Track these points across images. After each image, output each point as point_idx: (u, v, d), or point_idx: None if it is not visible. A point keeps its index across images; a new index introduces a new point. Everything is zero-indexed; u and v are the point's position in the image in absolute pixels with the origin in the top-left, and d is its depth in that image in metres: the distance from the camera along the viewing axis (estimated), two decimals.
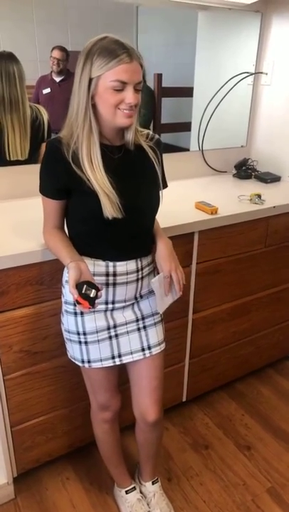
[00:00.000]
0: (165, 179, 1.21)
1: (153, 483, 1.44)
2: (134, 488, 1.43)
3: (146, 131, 1.15)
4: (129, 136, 1.08)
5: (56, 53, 1.65)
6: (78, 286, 0.99)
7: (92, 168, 1.02)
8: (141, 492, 1.44)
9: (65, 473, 1.57)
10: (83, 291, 0.99)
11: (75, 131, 1.02)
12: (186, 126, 2.09)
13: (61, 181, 1.05)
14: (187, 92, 2.08)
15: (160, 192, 1.15)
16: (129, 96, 0.98)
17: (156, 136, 1.17)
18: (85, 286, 1.00)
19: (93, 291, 1.00)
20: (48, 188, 1.09)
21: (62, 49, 1.65)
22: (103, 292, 1.13)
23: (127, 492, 1.42)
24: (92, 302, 1.00)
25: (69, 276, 1.01)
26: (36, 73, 1.65)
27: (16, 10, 1.54)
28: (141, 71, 1.00)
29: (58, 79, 1.70)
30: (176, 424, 1.80)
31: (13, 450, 1.41)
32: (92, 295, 1.00)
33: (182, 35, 2.00)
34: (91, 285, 1.01)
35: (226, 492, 1.52)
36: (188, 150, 2.05)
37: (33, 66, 1.62)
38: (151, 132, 1.16)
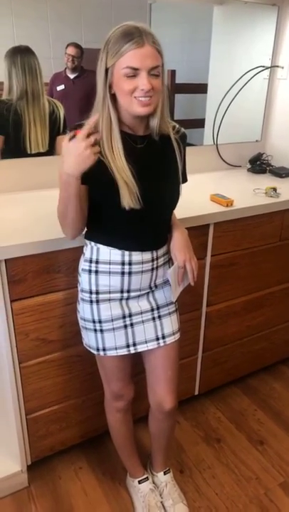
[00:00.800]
0: (186, 173, 1.20)
1: (165, 474, 1.44)
2: (146, 479, 1.43)
3: (173, 123, 1.14)
4: (154, 124, 1.07)
5: (71, 50, 1.66)
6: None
7: (112, 156, 1.02)
8: (153, 482, 1.44)
9: (78, 462, 1.58)
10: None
11: (97, 118, 1.03)
12: (199, 123, 2.09)
13: None
14: (201, 88, 2.07)
15: (180, 186, 1.15)
16: (142, 82, 0.95)
17: (182, 129, 1.16)
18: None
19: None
20: None
21: (76, 46, 1.66)
22: (118, 281, 1.13)
23: (139, 482, 1.42)
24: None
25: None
26: (50, 70, 1.66)
27: (31, 7, 1.55)
28: (156, 55, 0.96)
29: (72, 76, 1.71)
30: (189, 417, 1.80)
31: (28, 438, 1.43)
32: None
33: (196, 31, 2.00)
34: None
35: (238, 485, 1.52)
36: (199, 145, 2.04)
37: (47, 63, 1.63)
38: (177, 125, 1.15)
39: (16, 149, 1.63)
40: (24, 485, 1.49)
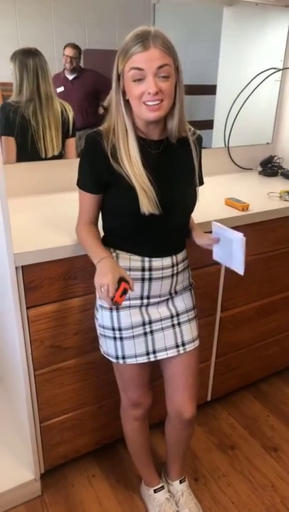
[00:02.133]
0: (202, 176, 1.19)
1: (180, 482, 1.42)
2: (162, 487, 1.41)
3: (189, 125, 1.12)
4: (173, 126, 1.05)
5: (68, 51, 1.63)
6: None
7: (130, 162, 1.01)
8: (169, 491, 1.42)
9: (91, 470, 1.56)
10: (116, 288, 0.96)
11: (112, 123, 1.02)
12: (206, 125, 2.07)
13: (100, 176, 1.04)
14: (209, 89, 2.06)
15: (197, 189, 1.14)
16: (149, 85, 0.93)
17: (198, 132, 1.14)
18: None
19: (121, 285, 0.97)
20: (87, 182, 1.08)
21: (74, 46, 1.63)
22: (138, 287, 1.11)
23: (155, 491, 1.40)
24: (124, 293, 0.97)
25: (105, 282, 0.97)
26: (54, 71, 1.64)
27: (35, 8, 1.54)
28: (164, 56, 0.93)
29: (70, 77, 1.69)
30: (201, 423, 1.78)
31: (42, 446, 1.40)
32: (122, 290, 0.97)
33: (202, 31, 1.98)
34: (121, 280, 0.98)
35: (254, 493, 1.50)
36: (208, 148, 2.02)
37: (51, 64, 1.61)
38: (192, 128, 1.13)
39: (27, 153, 1.61)
40: (37, 493, 1.47)
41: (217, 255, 1.17)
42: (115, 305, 0.98)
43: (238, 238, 1.09)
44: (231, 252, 1.13)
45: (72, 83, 1.69)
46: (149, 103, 0.96)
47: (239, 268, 1.13)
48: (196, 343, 1.21)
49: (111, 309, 1.13)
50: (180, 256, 1.16)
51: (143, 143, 1.04)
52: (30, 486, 1.44)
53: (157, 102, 0.96)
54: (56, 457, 1.46)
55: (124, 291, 0.97)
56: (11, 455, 1.50)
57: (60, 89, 1.69)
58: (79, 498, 1.46)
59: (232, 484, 1.53)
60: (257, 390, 1.97)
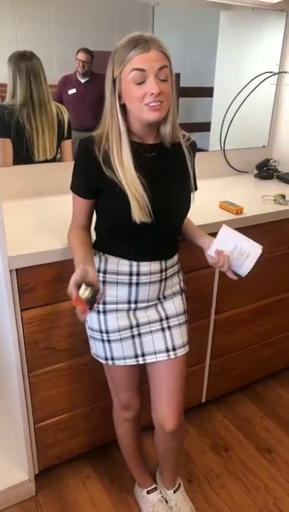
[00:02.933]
0: (196, 181, 1.19)
1: (175, 492, 1.40)
2: (155, 489, 1.42)
3: (182, 131, 1.12)
4: (166, 131, 1.05)
5: (81, 55, 1.67)
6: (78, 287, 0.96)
7: (122, 167, 1.01)
8: (161, 492, 1.43)
9: (85, 471, 1.57)
10: (80, 293, 0.95)
11: (106, 129, 1.02)
12: (203, 127, 2.08)
13: (92, 181, 1.05)
14: (206, 91, 2.07)
15: (191, 194, 1.14)
16: (151, 86, 0.94)
17: (192, 138, 1.15)
18: (82, 288, 0.96)
19: (88, 290, 0.95)
20: (80, 186, 1.08)
21: (87, 51, 1.67)
22: (126, 292, 1.12)
23: (148, 492, 1.41)
24: (90, 302, 0.95)
25: (72, 278, 0.97)
26: (53, 73, 1.66)
27: (34, 11, 1.55)
28: (163, 58, 0.95)
29: (82, 80, 1.72)
30: (196, 425, 1.79)
31: (36, 447, 1.41)
32: (87, 294, 0.95)
33: (200, 34, 1.99)
34: (91, 287, 0.96)
35: (247, 495, 1.51)
36: (204, 151, 2.04)
37: (50, 65, 1.62)
38: (187, 133, 1.14)
39: (21, 156, 1.62)
40: (31, 494, 1.48)
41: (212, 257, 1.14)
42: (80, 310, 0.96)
43: (257, 252, 1.09)
44: (239, 259, 1.11)
45: (86, 86, 1.73)
46: (151, 103, 0.96)
47: (242, 271, 1.13)
48: (186, 348, 1.21)
49: (98, 312, 1.14)
50: (170, 261, 1.16)
51: (138, 147, 1.05)
52: (24, 487, 1.45)
53: (158, 103, 0.96)
54: (50, 458, 1.47)
55: (91, 299, 0.95)
56: (5, 456, 1.51)
57: (72, 91, 1.72)
58: (73, 499, 1.47)
59: (225, 486, 1.54)
60: (252, 391, 1.98)
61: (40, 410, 1.37)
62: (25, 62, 1.52)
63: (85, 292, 0.96)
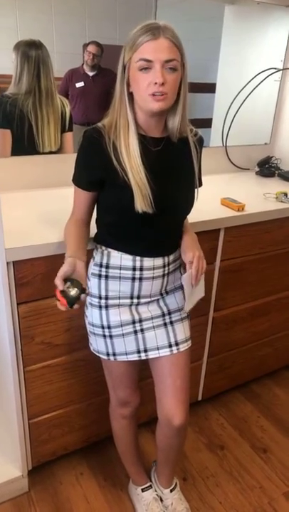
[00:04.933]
0: (201, 178, 1.17)
1: (171, 491, 1.38)
2: (150, 487, 1.40)
3: (190, 126, 1.10)
4: (174, 124, 1.03)
5: (92, 48, 1.66)
6: (65, 281, 0.97)
7: (128, 156, 0.99)
8: (156, 490, 1.41)
9: (79, 468, 1.55)
10: (65, 288, 0.95)
11: (114, 118, 1.01)
12: (205, 123, 2.06)
13: (97, 174, 1.03)
14: (209, 87, 2.04)
15: (195, 190, 1.12)
16: (156, 75, 0.92)
17: (200, 133, 1.13)
18: (68, 283, 0.96)
19: (75, 290, 0.96)
20: (82, 179, 1.06)
21: (97, 44, 1.65)
22: (129, 287, 1.10)
23: (143, 490, 1.39)
24: (71, 302, 0.95)
25: (60, 269, 0.98)
26: (53, 65, 1.63)
27: (35, 1, 1.52)
28: (172, 48, 0.93)
29: (91, 73, 1.70)
30: (191, 423, 1.77)
31: (30, 443, 1.40)
32: (72, 294, 0.95)
33: (203, 28, 1.96)
34: (78, 285, 0.97)
35: (242, 494, 1.50)
36: (206, 147, 2.00)
37: (51, 57, 1.60)
38: (194, 129, 1.12)
39: (23, 146, 1.59)
40: (24, 490, 1.46)
41: (183, 281, 1.15)
42: (59, 303, 0.97)
43: (202, 293, 1.18)
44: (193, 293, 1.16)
45: (94, 80, 1.71)
46: (155, 93, 0.94)
47: (187, 307, 1.18)
48: (189, 343, 1.20)
49: (100, 307, 1.12)
50: (172, 256, 1.15)
51: (143, 140, 1.03)
52: (17, 483, 1.43)
53: (162, 94, 0.94)
54: (44, 454, 1.45)
55: (73, 300, 0.95)
56: None
57: (80, 84, 1.70)
58: (66, 496, 1.46)
59: (220, 484, 1.53)
60: (248, 390, 1.97)
61: (34, 406, 1.35)
62: (35, 51, 1.49)
63: (70, 291, 0.96)
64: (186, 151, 1.08)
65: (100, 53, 1.66)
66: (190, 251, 1.13)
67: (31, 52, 1.48)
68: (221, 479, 1.55)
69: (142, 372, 1.25)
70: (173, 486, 1.40)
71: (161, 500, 1.39)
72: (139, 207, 1.00)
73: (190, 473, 1.56)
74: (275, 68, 2.00)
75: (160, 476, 1.39)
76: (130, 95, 0.99)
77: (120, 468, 1.48)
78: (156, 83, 0.92)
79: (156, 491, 1.41)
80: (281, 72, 2.03)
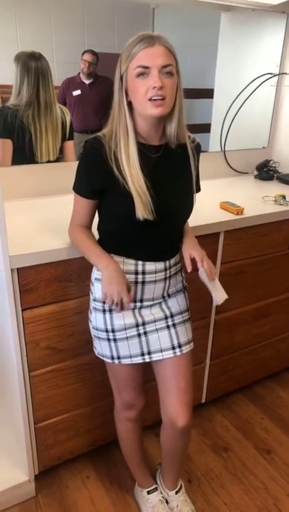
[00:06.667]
0: (199, 183, 1.19)
1: (176, 493, 1.39)
2: (155, 489, 1.42)
3: (188, 132, 1.13)
4: (172, 130, 1.06)
5: (88, 56, 1.69)
6: None
7: (128, 163, 1.02)
8: (161, 492, 1.42)
9: (85, 471, 1.57)
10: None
11: (114, 128, 1.03)
12: (203, 128, 2.09)
13: (98, 182, 1.05)
14: (207, 93, 2.07)
15: (194, 195, 1.15)
16: (153, 79, 0.95)
17: (197, 140, 1.16)
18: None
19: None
20: (83, 187, 1.09)
21: (93, 53, 1.68)
22: (132, 290, 1.12)
23: (148, 492, 1.41)
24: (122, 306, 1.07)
25: (122, 284, 1.06)
26: (53, 74, 1.66)
27: (35, 12, 1.55)
28: (168, 54, 0.96)
29: (87, 81, 1.73)
30: (195, 425, 1.79)
31: (36, 447, 1.41)
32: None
33: (200, 35, 2.00)
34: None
35: (247, 495, 1.51)
36: (205, 152, 2.03)
37: (51, 66, 1.63)
38: (192, 135, 1.14)
39: (24, 156, 1.62)
40: (31, 495, 1.47)
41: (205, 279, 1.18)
42: (122, 310, 1.09)
43: (224, 297, 1.21)
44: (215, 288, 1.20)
45: (90, 87, 1.74)
46: (154, 98, 0.96)
47: (218, 299, 1.21)
48: (191, 345, 1.22)
49: (104, 311, 1.14)
50: (173, 260, 1.17)
51: (142, 148, 1.05)
52: (24, 487, 1.45)
53: (161, 98, 0.97)
54: (50, 458, 1.47)
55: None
56: (5, 456, 1.51)
57: (77, 92, 1.73)
58: (73, 500, 1.47)
59: (225, 486, 1.54)
60: (252, 392, 1.98)
61: (40, 410, 1.36)
62: (34, 63, 1.52)
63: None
64: (185, 157, 1.11)
65: (96, 61, 1.69)
66: (197, 251, 1.16)
67: (31, 64, 1.52)
68: (226, 481, 1.56)
69: (146, 374, 1.27)
70: (178, 487, 1.41)
71: (167, 502, 1.40)
72: (140, 214, 1.02)
73: (195, 475, 1.57)
74: (271, 73, 2.03)
75: (165, 479, 1.41)
76: (129, 104, 1.02)
77: (126, 471, 1.50)
78: (154, 87, 0.95)
79: (161, 493, 1.42)
80: (277, 77, 2.06)
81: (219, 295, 1.19)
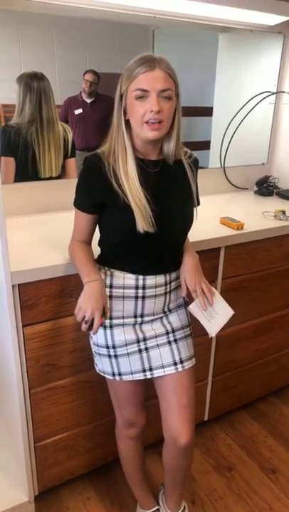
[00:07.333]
0: (198, 197, 1.20)
1: None
2: (158, 510, 1.38)
3: (185, 148, 1.15)
4: (169, 149, 1.08)
5: (89, 76, 1.73)
6: None
7: (127, 179, 1.03)
8: None
9: (86, 492, 1.53)
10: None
11: (112, 144, 1.05)
12: (203, 145, 2.12)
13: (98, 197, 1.07)
14: (206, 111, 2.11)
15: (194, 209, 1.16)
16: (151, 103, 0.97)
17: (194, 155, 1.18)
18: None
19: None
20: (83, 202, 1.10)
21: (94, 72, 1.72)
22: (132, 305, 1.12)
23: None
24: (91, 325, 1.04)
25: (99, 304, 1.05)
26: (56, 94, 1.69)
27: (38, 34, 1.59)
28: (167, 79, 0.99)
29: (88, 100, 1.77)
30: (198, 444, 1.76)
31: (36, 467, 1.39)
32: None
33: (198, 57, 2.04)
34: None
35: None
36: (205, 168, 2.06)
37: (52, 86, 1.66)
38: (189, 151, 1.17)
39: (27, 173, 1.64)
40: None
41: (194, 312, 1.18)
42: (88, 330, 1.05)
43: (229, 313, 1.21)
44: (211, 316, 1.19)
45: (92, 106, 1.78)
46: (150, 121, 0.99)
47: (212, 331, 1.20)
48: (193, 360, 1.21)
49: (104, 327, 1.14)
50: (174, 274, 1.17)
51: (141, 163, 1.07)
52: (24, 508, 1.41)
53: (157, 122, 0.99)
54: (51, 479, 1.44)
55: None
56: (4, 476, 1.48)
57: (79, 111, 1.77)
58: None
59: (229, 507, 1.50)
60: (255, 409, 1.95)
61: (40, 429, 1.34)
62: (37, 83, 1.56)
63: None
64: (182, 172, 1.13)
65: (97, 81, 1.73)
66: (191, 278, 1.16)
67: (33, 84, 1.56)
68: (230, 501, 1.52)
69: (148, 391, 1.26)
70: (181, 509, 1.38)
71: None
72: (141, 227, 1.04)
73: (198, 496, 1.54)
74: (269, 92, 2.07)
75: (168, 499, 1.37)
76: (127, 122, 1.04)
77: (127, 492, 1.46)
78: (152, 111, 0.98)
79: None
80: (275, 95, 2.10)
81: (213, 327, 1.20)
